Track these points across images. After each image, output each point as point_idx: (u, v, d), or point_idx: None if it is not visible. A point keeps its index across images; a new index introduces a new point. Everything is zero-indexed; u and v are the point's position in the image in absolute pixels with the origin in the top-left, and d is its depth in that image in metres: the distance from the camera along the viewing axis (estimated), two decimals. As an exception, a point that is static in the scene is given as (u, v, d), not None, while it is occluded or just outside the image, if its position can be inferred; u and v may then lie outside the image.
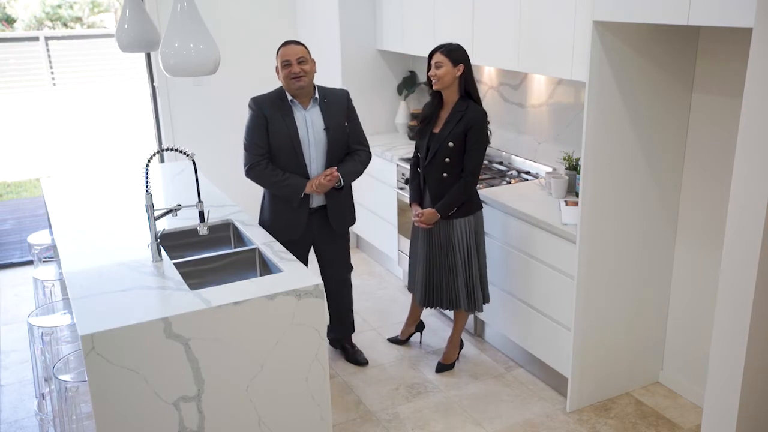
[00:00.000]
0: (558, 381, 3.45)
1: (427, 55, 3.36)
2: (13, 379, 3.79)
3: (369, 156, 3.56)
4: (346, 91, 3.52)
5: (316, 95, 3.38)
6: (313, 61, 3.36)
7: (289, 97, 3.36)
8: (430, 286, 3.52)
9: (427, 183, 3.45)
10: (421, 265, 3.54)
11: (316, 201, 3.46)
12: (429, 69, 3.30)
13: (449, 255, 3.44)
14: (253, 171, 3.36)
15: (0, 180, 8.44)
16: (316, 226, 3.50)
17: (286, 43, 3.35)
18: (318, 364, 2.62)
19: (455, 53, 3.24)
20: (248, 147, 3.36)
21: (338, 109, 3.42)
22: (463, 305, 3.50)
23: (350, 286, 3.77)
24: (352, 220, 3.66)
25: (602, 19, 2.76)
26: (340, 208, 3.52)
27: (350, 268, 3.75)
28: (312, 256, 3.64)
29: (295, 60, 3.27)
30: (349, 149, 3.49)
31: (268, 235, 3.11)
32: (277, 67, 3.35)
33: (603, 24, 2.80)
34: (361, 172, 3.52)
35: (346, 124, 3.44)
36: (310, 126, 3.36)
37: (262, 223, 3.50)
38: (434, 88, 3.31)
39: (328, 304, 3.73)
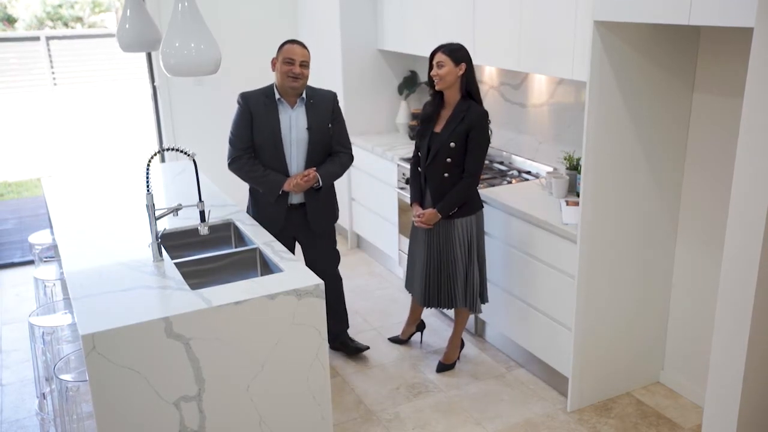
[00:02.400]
0: (558, 381, 3.45)
1: (427, 54, 3.36)
2: (14, 379, 3.79)
3: (350, 159, 3.58)
4: (334, 93, 3.54)
5: (303, 96, 3.41)
6: (309, 69, 3.40)
7: (277, 96, 3.38)
8: (430, 285, 3.52)
9: (428, 183, 3.45)
10: (420, 265, 3.54)
11: (295, 198, 3.49)
12: (431, 69, 3.30)
13: (449, 255, 3.44)
14: (234, 164, 3.44)
15: (1, 180, 8.44)
16: (296, 222, 3.52)
17: (292, 41, 3.37)
18: (319, 364, 2.62)
19: (457, 53, 3.24)
20: (232, 141, 3.44)
21: (323, 109, 3.45)
22: (461, 304, 3.51)
23: (340, 278, 3.77)
24: (334, 219, 3.67)
25: (603, 19, 2.76)
26: (319, 207, 3.53)
27: (337, 260, 3.75)
28: (298, 248, 3.67)
29: (299, 61, 3.31)
30: (332, 150, 3.51)
31: (269, 234, 3.12)
32: (274, 60, 3.38)
33: (604, 24, 2.80)
34: (340, 175, 3.55)
35: (330, 125, 3.46)
36: (294, 125, 3.40)
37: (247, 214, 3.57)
38: (436, 87, 3.31)
39: None
